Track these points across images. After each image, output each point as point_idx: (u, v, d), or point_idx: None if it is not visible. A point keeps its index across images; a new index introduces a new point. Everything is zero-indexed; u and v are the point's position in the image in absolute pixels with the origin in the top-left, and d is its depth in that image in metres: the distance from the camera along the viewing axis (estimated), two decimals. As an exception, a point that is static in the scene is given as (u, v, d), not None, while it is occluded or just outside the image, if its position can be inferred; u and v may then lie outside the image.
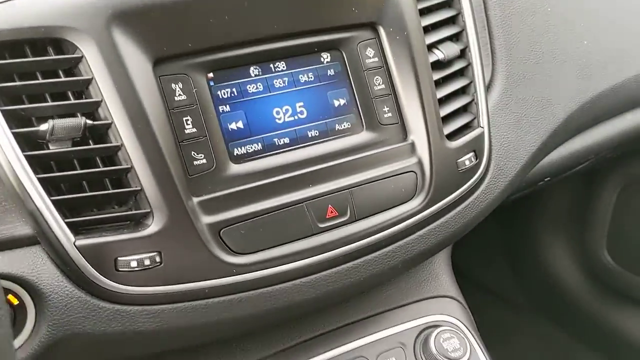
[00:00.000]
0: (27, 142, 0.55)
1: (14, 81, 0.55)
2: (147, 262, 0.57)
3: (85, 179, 0.57)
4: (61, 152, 0.56)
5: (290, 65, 0.66)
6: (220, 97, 0.63)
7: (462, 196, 0.73)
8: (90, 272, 0.56)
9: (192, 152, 0.60)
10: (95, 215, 0.56)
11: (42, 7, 0.56)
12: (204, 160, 0.61)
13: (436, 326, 0.79)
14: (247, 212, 0.61)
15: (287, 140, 0.66)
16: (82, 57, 0.56)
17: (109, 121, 0.57)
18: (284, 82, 0.66)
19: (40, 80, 0.55)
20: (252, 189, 0.62)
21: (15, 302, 0.56)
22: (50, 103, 0.56)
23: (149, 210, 0.57)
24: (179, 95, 0.60)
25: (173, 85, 0.60)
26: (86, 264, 0.55)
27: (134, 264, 0.56)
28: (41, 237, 0.55)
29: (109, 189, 0.57)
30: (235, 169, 0.62)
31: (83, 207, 0.57)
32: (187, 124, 0.60)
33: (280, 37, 0.64)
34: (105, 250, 0.56)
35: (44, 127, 0.55)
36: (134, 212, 0.57)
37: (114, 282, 0.56)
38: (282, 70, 0.66)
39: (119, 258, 0.56)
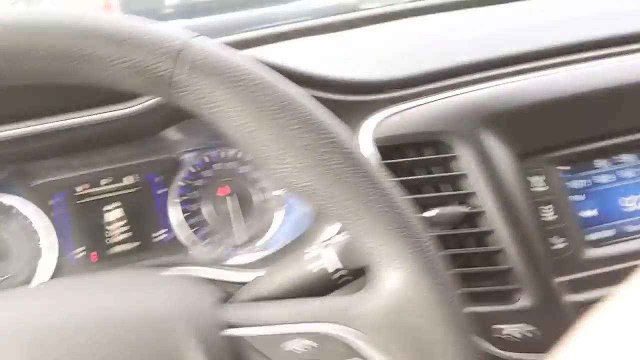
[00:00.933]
0: None
1: (404, 176, 0.67)
2: (518, 333, 0.64)
3: (466, 258, 0.66)
4: (447, 235, 0.65)
5: (638, 157, 0.71)
6: (574, 187, 0.70)
7: None
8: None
9: (553, 237, 0.67)
10: (474, 288, 0.65)
11: (423, 115, 0.69)
12: (563, 245, 0.67)
13: None
14: (602, 294, 0.66)
15: (637, 227, 0.70)
16: (456, 155, 0.67)
17: (482, 209, 0.66)
18: (632, 173, 0.71)
19: (426, 176, 0.67)
20: (607, 273, 0.67)
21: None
22: (435, 194, 0.67)
23: (519, 286, 0.65)
24: (539, 185, 0.68)
25: (533, 177, 0.68)
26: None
27: (507, 332, 0.64)
28: None
29: (481, 267, 0.65)
30: (590, 253, 0.68)
31: (463, 281, 0.65)
32: (547, 212, 0.67)
33: (629, 131, 0.70)
34: (484, 319, 0.64)
35: (430, 213, 0.66)
36: (507, 287, 0.65)
37: (493, 347, 0.64)
38: (630, 162, 0.71)
39: (494, 326, 0.64)
